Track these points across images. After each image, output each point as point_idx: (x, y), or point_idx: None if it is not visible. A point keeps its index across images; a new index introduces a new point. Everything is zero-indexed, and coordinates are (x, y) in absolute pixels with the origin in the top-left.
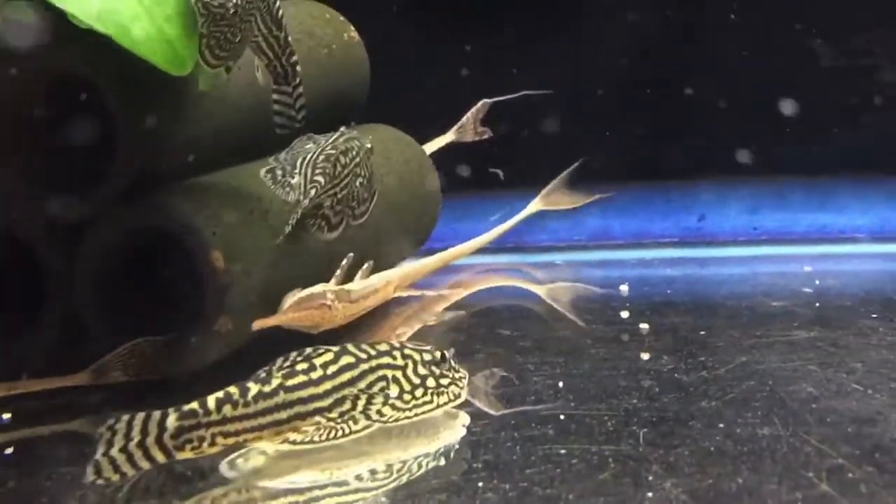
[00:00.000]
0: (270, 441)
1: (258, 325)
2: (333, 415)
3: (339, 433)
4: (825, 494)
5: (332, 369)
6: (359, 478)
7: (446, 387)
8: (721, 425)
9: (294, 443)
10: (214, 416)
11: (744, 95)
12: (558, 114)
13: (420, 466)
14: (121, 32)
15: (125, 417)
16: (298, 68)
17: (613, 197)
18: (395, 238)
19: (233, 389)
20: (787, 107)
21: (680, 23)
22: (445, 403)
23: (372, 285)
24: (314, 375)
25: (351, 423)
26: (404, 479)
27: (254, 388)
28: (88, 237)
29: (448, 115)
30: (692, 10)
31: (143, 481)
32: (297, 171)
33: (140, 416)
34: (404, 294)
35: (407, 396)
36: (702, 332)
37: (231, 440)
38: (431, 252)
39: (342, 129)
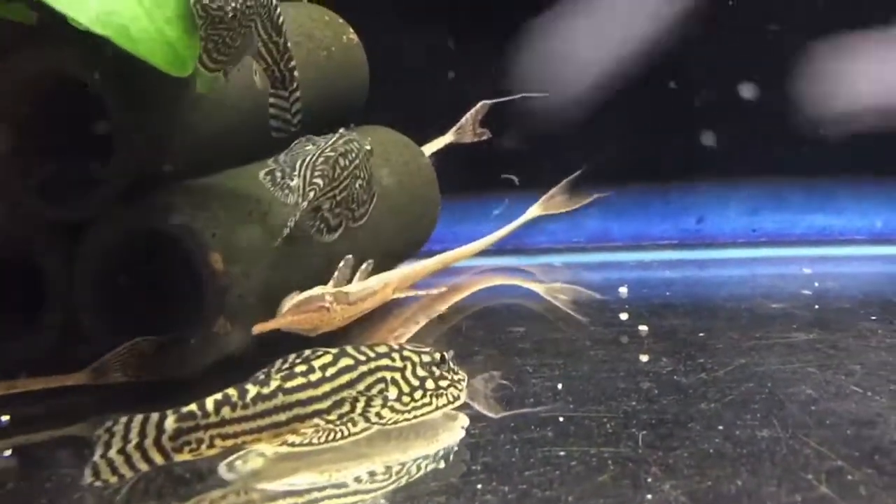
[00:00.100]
0: (269, 443)
1: (258, 329)
2: (332, 417)
3: (338, 435)
4: (824, 496)
5: (330, 371)
6: (358, 480)
7: (445, 389)
8: (720, 427)
9: (293, 445)
10: (213, 418)
11: (743, 97)
12: (557, 115)
13: (419, 468)
14: (120, 33)
15: (123, 419)
16: (296, 73)
17: (612, 199)
18: (394, 240)
19: (231, 391)
20: (787, 108)
21: (680, 24)
22: (444, 405)
23: (370, 287)
24: (313, 378)
25: (350, 425)
26: (403, 481)
27: (252, 390)
28: (88, 237)
29: (447, 116)
30: (692, 10)
31: (141, 483)
32: (296, 173)
33: (138, 417)
34: (402, 295)
35: (406, 398)
36: (701, 334)
37: (229, 442)
38: (431, 254)
39: (341, 130)
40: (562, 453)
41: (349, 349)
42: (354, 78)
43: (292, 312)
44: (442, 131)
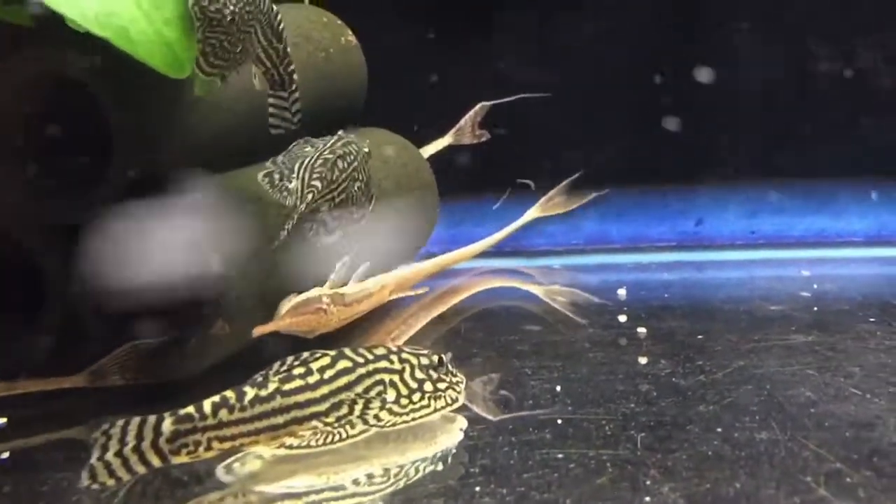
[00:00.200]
0: (267, 445)
1: (258, 331)
2: (330, 419)
3: (336, 438)
4: (823, 499)
5: (328, 374)
6: (356, 482)
7: (444, 391)
8: (719, 429)
9: (291, 447)
10: (211, 421)
11: (742, 99)
12: (556, 116)
13: (417, 471)
14: (119, 35)
15: (120, 421)
16: (295, 76)
17: (611, 201)
18: (392, 242)
19: (229, 394)
20: (786, 110)
21: (679, 24)
22: (443, 408)
23: (367, 289)
24: (311, 380)
25: (348, 427)
26: (401, 483)
27: (250, 392)
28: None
29: (446, 117)
30: (692, 12)
31: (138, 486)
32: (294, 175)
33: (136, 420)
34: (401, 296)
35: (404, 401)
36: (699, 336)
37: (227, 444)
38: (429, 256)
39: (340, 132)
40: (560, 455)
41: (347, 351)
42: (353, 79)
43: (290, 314)
44: (441, 133)
